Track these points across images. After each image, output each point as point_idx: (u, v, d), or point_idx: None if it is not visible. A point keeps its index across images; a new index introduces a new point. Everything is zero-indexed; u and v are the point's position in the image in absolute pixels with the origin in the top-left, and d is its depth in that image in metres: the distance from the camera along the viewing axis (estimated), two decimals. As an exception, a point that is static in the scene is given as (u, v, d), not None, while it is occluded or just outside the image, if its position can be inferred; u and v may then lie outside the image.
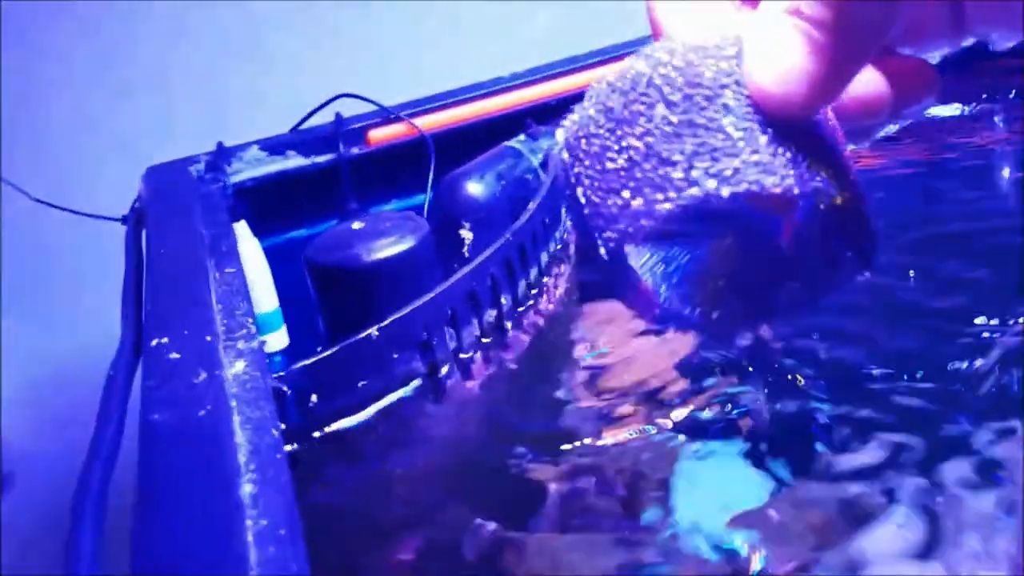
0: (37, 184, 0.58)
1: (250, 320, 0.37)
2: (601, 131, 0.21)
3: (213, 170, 0.56)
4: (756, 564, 0.34)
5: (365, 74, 0.72)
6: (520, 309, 0.45)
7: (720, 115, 0.20)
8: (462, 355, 0.41)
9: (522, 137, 0.58)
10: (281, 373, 0.35)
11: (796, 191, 0.20)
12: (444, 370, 0.40)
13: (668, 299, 0.22)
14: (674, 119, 0.20)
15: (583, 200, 0.21)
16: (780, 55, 0.20)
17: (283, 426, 0.36)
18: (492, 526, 0.39)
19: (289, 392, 0.35)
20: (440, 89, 0.64)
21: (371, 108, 0.61)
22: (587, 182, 0.21)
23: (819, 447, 0.38)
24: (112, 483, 0.30)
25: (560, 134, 0.22)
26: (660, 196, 0.20)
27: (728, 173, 0.20)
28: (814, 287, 0.22)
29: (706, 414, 0.41)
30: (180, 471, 0.27)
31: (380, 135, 0.60)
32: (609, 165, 0.21)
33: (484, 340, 0.43)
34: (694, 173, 0.20)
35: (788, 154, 0.20)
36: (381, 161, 0.61)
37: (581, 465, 0.39)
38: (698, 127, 0.20)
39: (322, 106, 0.60)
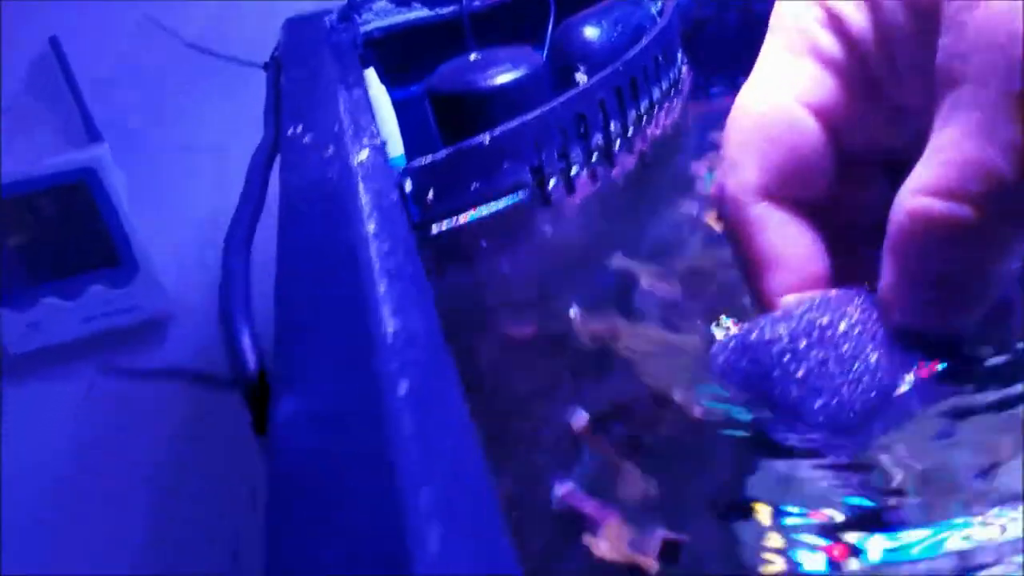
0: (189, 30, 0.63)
1: (374, 126, 0.41)
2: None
3: (344, 20, 0.59)
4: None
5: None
6: (629, 136, 0.46)
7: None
8: (569, 171, 0.43)
9: (641, -16, 0.58)
10: (403, 167, 0.38)
11: None
12: (552, 181, 0.43)
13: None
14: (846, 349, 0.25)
15: (802, 372, 0.25)
16: (916, 315, 0.24)
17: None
18: (596, 320, 0.40)
19: (410, 185, 0.39)
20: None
21: (493, -39, 0.62)
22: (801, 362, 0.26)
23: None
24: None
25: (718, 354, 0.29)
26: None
27: None
28: None
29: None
30: (314, 221, 0.31)
31: (501, -14, 0.61)
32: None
33: (591, 159, 0.44)
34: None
35: None
36: (503, 12, 0.62)
37: (680, 271, 0.41)
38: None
39: (446, -41, 0.62)
